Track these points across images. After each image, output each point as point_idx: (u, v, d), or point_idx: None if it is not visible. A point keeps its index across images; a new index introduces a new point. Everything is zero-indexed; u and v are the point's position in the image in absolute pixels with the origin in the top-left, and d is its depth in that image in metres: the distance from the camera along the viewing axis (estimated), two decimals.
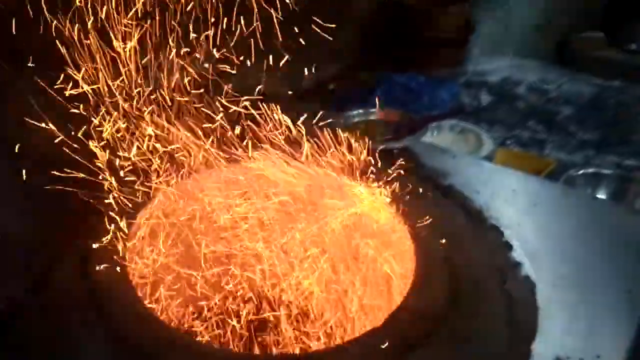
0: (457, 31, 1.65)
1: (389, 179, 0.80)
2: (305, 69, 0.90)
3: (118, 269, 0.64)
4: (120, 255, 0.66)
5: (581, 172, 1.07)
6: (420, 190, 0.85)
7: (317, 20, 0.84)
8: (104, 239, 0.67)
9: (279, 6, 0.75)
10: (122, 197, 0.71)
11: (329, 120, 0.92)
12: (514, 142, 1.30)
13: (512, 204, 0.89)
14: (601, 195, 1.08)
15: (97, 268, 0.64)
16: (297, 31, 0.85)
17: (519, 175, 1.01)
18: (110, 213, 0.69)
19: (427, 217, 0.74)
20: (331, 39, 0.86)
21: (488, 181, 0.95)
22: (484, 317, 0.66)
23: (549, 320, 0.67)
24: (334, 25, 0.86)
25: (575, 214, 0.88)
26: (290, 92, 0.99)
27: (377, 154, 0.80)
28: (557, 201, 0.92)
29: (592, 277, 0.75)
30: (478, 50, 1.87)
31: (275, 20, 0.76)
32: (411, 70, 1.60)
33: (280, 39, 0.79)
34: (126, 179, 0.71)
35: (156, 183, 0.72)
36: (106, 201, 0.70)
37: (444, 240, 0.73)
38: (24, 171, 0.69)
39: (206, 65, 0.78)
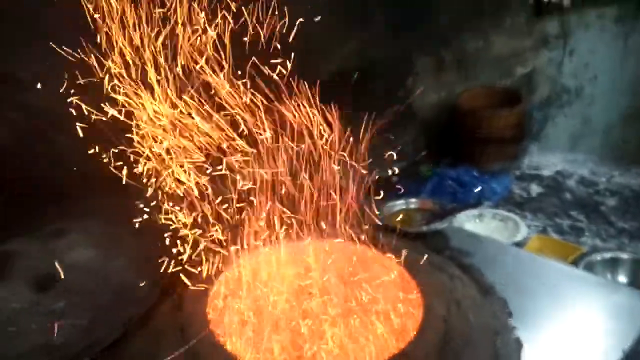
0: (510, 130, 1.84)
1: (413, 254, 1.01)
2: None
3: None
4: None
5: (599, 257, 1.19)
6: (441, 264, 1.05)
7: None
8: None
9: None
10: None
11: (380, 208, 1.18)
12: (554, 229, 1.44)
13: (522, 282, 1.05)
14: (622, 279, 1.18)
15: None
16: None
17: (539, 260, 1.17)
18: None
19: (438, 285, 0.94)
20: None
21: (506, 262, 1.12)
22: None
23: None
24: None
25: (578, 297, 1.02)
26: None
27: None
28: (566, 283, 1.06)
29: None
30: (536, 146, 2.04)
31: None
32: (467, 164, 1.81)
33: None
34: None
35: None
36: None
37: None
38: None
39: None
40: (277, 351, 0.89)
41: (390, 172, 1.82)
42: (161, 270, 0.98)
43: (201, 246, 0.97)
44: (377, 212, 1.15)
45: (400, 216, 1.28)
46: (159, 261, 0.97)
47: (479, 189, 1.62)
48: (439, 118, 1.98)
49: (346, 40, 1.53)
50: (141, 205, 1.01)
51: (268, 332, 0.90)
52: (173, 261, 0.97)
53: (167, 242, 0.98)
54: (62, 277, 1.05)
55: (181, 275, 0.95)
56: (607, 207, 1.53)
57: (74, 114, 1.05)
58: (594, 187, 1.64)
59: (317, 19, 1.04)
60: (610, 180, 1.67)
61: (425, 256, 1.01)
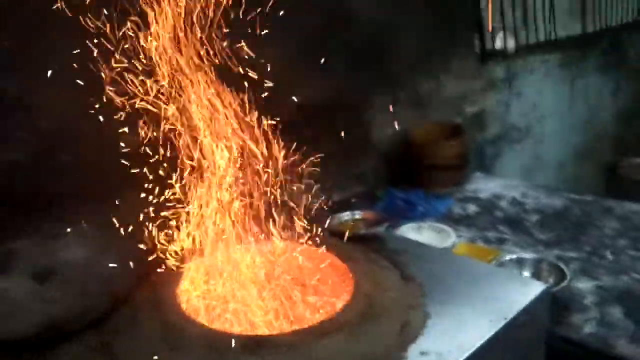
0: (454, 159, 2.11)
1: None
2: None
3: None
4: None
5: (508, 257, 1.44)
6: (374, 258, 1.29)
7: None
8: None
9: None
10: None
11: (329, 218, 1.43)
12: (482, 240, 1.68)
13: (440, 273, 1.28)
14: (526, 274, 1.43)
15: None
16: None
17: (458, 258, 1.41)
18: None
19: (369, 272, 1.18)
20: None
21: (430, 259, 1.36)
22: (381, 325, 1.04)
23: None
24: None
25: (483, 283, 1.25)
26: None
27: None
28: (475, 274, 1.29)
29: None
30: (480, 174, 2.31)
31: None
32: (418, 189, 2.07)
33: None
34: None
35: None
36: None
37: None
38: None
39: None
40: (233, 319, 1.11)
41: (347, 194, 2.08)
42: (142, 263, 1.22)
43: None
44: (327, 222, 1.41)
45: (349, 224, 1.52)
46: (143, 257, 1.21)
47: (423, 207, 1.87)
48: (395, 149, 2.24)
49: (309, 79, 1.79)
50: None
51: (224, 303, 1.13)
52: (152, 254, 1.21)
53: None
54: (58, 271, 1.28)
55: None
56: (530, 222, 1.77)
57: (78, 135, 1.30)
58: (522, 207, 1.89)
59: None
60: (537, 202, 1.93)
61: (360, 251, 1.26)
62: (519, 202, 1.94)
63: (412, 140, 2.19)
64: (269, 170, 1.22)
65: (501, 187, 2.09)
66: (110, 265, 1.27)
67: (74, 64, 1.15)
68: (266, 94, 1.21)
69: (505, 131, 2.93)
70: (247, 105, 1.18)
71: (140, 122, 1.16)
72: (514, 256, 1.44)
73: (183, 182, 1.21)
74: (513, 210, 1.88)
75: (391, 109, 2.22)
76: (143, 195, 1.23)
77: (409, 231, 1.68)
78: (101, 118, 1.18)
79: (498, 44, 2.69)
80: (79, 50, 1.13)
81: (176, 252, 1.20)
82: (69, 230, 1.35)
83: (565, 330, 1.30)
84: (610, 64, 3.64)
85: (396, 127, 2.25)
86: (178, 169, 1.20)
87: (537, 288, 1.19)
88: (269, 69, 1.24)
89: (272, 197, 1.24)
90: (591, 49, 3.43)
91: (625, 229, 1.72)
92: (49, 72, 1.16)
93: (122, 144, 1.27)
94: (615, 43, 3.59)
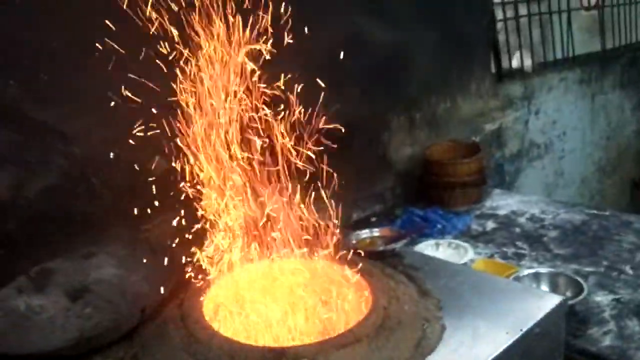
0: (471, 177, 2.14)
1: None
2: None
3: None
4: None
5: (526, 272, 1.46)
6: (391, 274, 1.34)
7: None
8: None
9: None
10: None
11: (349, 236, 1.48)
12: (499, 256, 1.70)
13: (457, 288, 1.31)
14: (544, 288, 1.44)
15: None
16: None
17: (476, 273, 1.44)
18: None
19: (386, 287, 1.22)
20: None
21: (448, 274, 1.39)
22: (398, 337, 1.08)
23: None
24: None
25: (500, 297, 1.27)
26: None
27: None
28: (492, 289, 1.31)
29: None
30: (500, 190, 2.33)
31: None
32: (436, 207, 2.10)
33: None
34: None
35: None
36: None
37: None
38: None
39: None
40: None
41: (366, 213, 2.13)
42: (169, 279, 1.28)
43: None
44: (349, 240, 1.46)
45: (367, 241, 1.56)
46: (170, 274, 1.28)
47: (441, 225, 1.90)
48: (412, 168, 2.28)
49: (329, 103, 1.85)
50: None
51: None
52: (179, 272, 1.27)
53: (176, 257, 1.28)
54: (91, 289, 1.35)
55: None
56: (548, 237, 1.78)
57: (109, 161, 1.38)
58: (541, 223, 1.91)
59: None
60: (555, 217, 1.94)
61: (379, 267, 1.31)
62: (538, 218, 1.96)
63: (429, 159, 2.23)
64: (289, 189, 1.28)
65: (520, 203, 2.11)
66: (139, 282, 1.35)
67: (109, 94, 1.24)
68: (284, 114, 1.27)
69: (525, 148, 2.95)
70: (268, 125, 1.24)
71: (166, 151, 1.24)
72: (532, 271, 1.46)
73: (208, 204, 1.28)
74: (531, 226, 1.90)
75: (408, 130, 2.28)
76: (170, 216, 1.30)
77: (427, 248, 1.71)
78: (132, 142, 1.26)
79: (515, 63, 2.73)
80: (112, 84, 1.23)
81: (201, 268, 1.25)
82: (100, 250, 1.43)
83: (583, 343, 1.31)
84: (631, 80, 3.63)
85: (413, 146, 2.31)
86: (203, 193, 1.27)
87: (553, 300, 1.21)
88: (288, 94, 1.31)
89: (295, 215, 1.30)
90: (611, 66, 3.44)
91: None
92: (85, 104, 1.25)
93: (151, 169, 1.35)
94: (636, 59, 3.59)
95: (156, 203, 1.34)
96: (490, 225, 1.95)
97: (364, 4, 2.05)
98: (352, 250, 1.44)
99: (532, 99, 2.93)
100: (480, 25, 2.59)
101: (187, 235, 1.28)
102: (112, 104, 1.26)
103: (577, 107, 3.27)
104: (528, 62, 2.78)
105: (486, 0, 2.58)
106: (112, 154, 1.37)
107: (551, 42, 2.89)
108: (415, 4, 2.24)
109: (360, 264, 1.34)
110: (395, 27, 2.16)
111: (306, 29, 1.31)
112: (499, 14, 2.62)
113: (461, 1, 2.47)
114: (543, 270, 1.47)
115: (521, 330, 1.12)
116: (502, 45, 2.67)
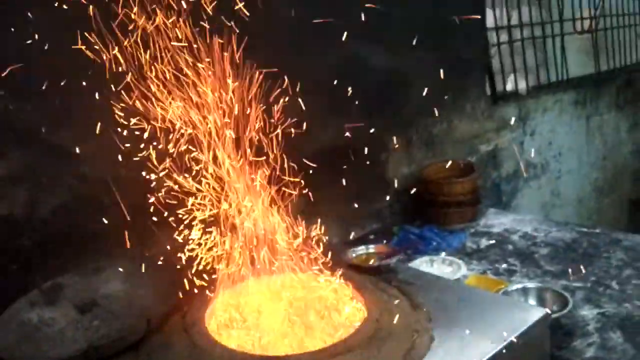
0: (466, 196, 2.21)
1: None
2: None
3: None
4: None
5: (514, 287, 1.52)
6: (384, 288, 1.40)
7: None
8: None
9: None
10: None
11: (346, 252, 1.55)
12: (491, 272, 1.77)
13: (448, 301, 1.37)
14: (532, 302, 1.51)
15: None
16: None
17: (466, 287, 1.50)
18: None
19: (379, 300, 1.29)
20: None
21: (439, 289, 1.45)
22: (388, 348, 1.14)
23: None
24: None
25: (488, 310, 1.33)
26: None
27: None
28: (481, 302, 1.38)
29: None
30: (495, 210, 2.39)
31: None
32: (432, 225, 2.17)
33: None
34: None
35: None
36: None
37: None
38: None
39: None
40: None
41: (365, 231, 2.19)
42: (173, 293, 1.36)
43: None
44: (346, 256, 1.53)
45: (363, 257, 1.64)
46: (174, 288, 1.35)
47: (436, 242, 1.96)
48: (409, 187, 2.35)
49: (327, 124, 1.93)
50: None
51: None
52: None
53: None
54: (99, 303, 1.42)
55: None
56: (539, 254, 1.85)
57: (117, 180, 1.47)
58: (533, 240, 1.97)
59: None
60: (547, 235, 2.01)
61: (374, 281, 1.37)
62: (530, 235, 2.02)
63: (425, 178, 2.31)
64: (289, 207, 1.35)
65: (514, 222, 2.18)
66: (145, 296, 1.42)
67: (118, 119, 1.33)
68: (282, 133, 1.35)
69: (520, 169, 3.02)
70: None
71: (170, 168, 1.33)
72: (520, 286, 1.52)
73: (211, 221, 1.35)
74: (524, 243, 1.96)
75: (406, 150, 2.36)
76: (175, 232, 1.38)
77: (422, 264, 1.78)
78: (137, 162, 1.34)
79: (509, 86, 2.82)
80: (121, 109, 1.32)
81: (205, 281, 1.33)
82: (108, 265, 1.50)
83: (567, 354, 1.36)
84: (627, 101, 3.71)
85: (410, 166, 2.38)
86: (207, 212, 1.35)
87: (537, 313, 1.27)
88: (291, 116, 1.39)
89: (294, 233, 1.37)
90: (606, 87, 3.52)
91: (632, 260, 1.78)
92: (97, 127, 1.34)
93: (157, 188, 1.43)
94: (631, 81, 3.68)
95: (162, 220, 1.42)
96: (484, 242, 2.01)
97: (364, 31, 2.15)
98: (348, 266, 1.52)
99: (527, 120, 3.01)
100: (475, 50, 2.69)
101: (191, 251, 1.36)
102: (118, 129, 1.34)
103: (572, 128, 3.35)
104: (522, 85, 2.87)
105: (481, 26, 2.68)
106: (119, 174, 1.45)
107: (545, 65, 2.98)
108: (414, 32, 2.34)
109: (356, 279, 1.41)
110: (395, 53, 2.25)
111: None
112: (493, 39, 2.72)
113: (457, 27, 2.57)
114: (531, 285, 1.54)
115: (504, 340, 1.18)
116: (497, 69, 2.75)
